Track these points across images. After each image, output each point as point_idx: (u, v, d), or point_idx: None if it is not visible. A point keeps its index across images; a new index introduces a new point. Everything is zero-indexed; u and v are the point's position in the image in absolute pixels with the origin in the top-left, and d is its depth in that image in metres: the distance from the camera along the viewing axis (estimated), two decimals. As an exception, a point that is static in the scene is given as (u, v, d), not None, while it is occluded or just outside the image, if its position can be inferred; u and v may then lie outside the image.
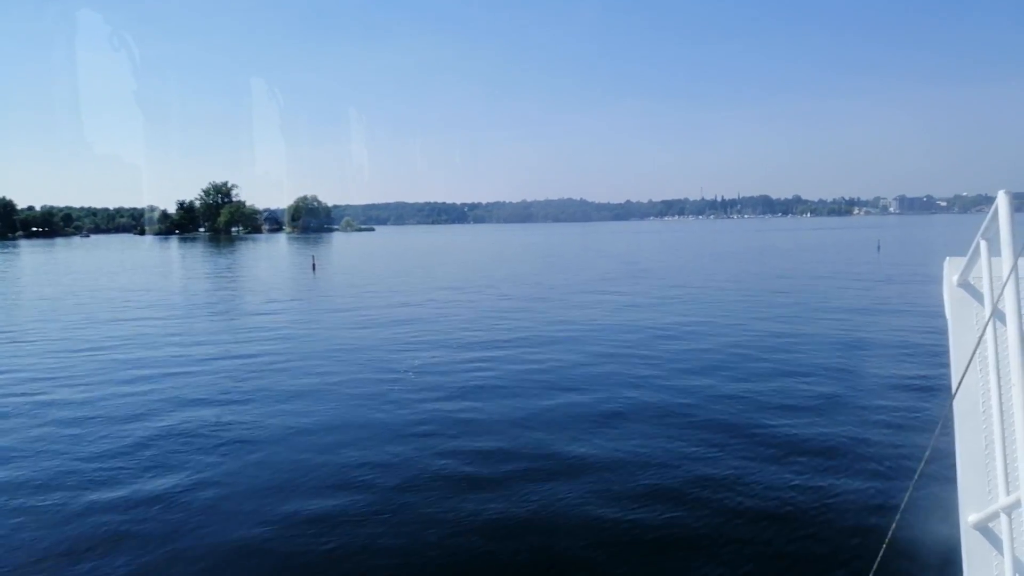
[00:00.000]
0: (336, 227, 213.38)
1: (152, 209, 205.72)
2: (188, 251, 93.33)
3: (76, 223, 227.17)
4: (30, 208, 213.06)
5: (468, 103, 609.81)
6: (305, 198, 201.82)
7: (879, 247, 61.04)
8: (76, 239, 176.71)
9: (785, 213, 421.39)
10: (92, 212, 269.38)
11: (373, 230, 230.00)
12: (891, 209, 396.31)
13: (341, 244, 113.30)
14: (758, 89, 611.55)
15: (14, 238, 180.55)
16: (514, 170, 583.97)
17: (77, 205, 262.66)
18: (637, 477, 8.64)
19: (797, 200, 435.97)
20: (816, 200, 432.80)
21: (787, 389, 12.67)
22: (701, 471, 8.79)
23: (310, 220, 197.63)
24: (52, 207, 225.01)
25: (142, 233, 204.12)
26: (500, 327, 20.60)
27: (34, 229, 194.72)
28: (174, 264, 63.99)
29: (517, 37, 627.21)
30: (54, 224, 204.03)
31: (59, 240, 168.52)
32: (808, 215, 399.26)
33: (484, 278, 40.41)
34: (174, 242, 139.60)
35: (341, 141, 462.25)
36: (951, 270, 3.19)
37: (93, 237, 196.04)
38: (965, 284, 3.15)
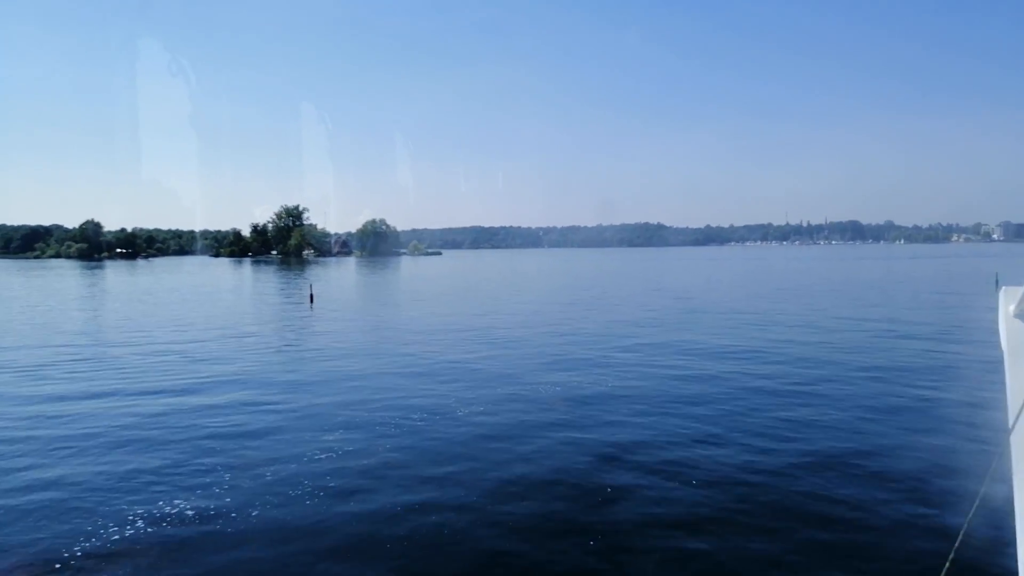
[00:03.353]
0: (404, 251, 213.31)
1: (225, 234, 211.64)
2: (281, 273, 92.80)
3: (158, 244, 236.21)
4: (122, 229, 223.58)
5: (541, 128, 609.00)
6: (374, 221, 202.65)
7: (998, 282, 51.58)
8: (157, 260, 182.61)
9: (876, 240, 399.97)
10: (177, 235, 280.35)
11: (440, 254, 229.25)
12: (994, 236, 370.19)
13: (407, 267, 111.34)
14: (848, 108, 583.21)
15: (100, 258, 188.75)
16: (589, 194, 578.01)
17: (123, 225, 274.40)
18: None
19: (889, 226, 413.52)
20: (910, 226, 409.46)
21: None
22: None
23: (378, 244, 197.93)
24: (139, 229, 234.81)
25: (217, 255, 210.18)
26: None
27: (118, 250, 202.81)
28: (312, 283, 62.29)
29: (597, 54, 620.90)
30: (137, 245, 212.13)
31: (140, 261, 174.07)
32: (901, 242, 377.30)
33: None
34: (247, 264, 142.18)
35: (416, 167, 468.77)
36: (1007, 300, 3.04)
37: (178, 259, 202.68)
38: (1023, 315, 3.04)
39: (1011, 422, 2.69)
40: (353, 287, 62.67)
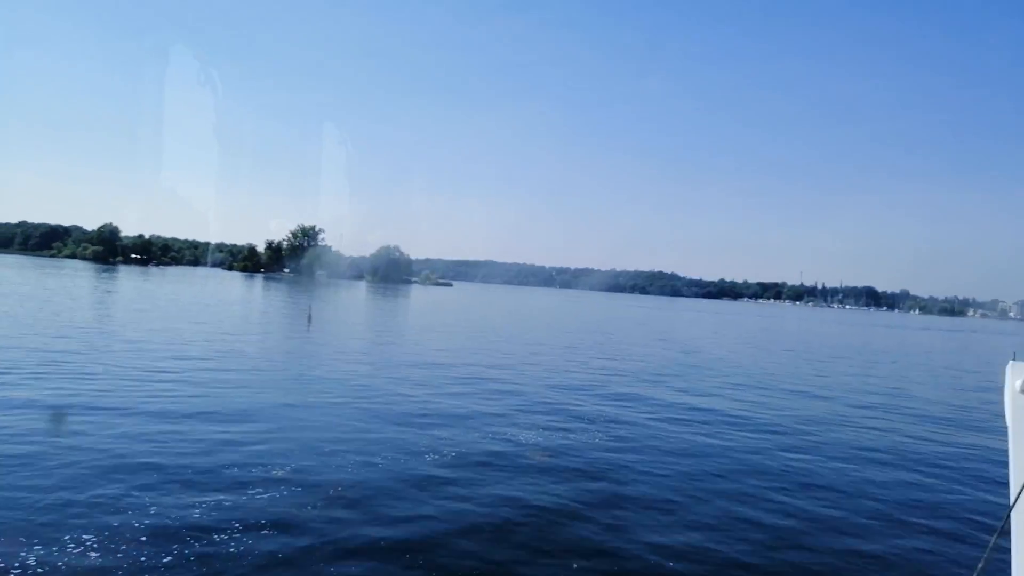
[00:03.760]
0: (415, 279, 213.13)
1: (240, 248, 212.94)
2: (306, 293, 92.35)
3: (173, 253, 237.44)
4: (139, 236, 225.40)
5: (558, 169, 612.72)
6: (387, 247, 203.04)
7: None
8: (170, 269, 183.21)
9: (891, 307, 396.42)
10: (193, 245, 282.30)
11: (451, 285, 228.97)
12: (1011, 314, 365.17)
13: (416, 296, 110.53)
14: (869, 174, 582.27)
15: (114, 263, 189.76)
16: (603, 238, 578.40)
17: (140, 231, 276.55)
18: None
19: (905, 295, 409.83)
20: (926, 296, 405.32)
21: None
22: None
23: (390, 270, 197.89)
24: (156, 236, 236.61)
25: (230, 269, 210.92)
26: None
27: (133, 256, 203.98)
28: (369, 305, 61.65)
29: (620, 99, 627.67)
30: (152, 252, 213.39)
31: (152, 269, 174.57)
32: (916, 311, 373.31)
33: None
34: (259, 280, 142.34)
35: (432, 197, 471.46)
36: (1015, 375, 3.06)
37: (191, 269, 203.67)
38: None
39: (1012, 497, 2.66)
40: (358, 311, 61.85)
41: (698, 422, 18.31)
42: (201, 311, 46.86)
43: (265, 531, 8.81)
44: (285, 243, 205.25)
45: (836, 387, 28.37)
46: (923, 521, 11.15)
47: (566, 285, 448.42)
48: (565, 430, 16.13)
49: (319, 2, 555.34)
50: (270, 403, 16.99)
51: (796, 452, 15.58)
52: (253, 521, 9.08)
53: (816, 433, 17.98)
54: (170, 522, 8.85)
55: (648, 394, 22.76)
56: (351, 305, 71.84)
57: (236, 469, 11.26)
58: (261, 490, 10.31)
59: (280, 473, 11.19)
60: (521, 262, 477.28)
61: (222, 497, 9.88)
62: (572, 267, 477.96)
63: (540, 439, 15.03)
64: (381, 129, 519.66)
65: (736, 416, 19.64)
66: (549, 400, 20.25)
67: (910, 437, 18.46)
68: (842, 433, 18.30)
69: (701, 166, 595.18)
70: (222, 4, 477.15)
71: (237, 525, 8.90)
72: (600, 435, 15.82)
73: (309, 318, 41.85)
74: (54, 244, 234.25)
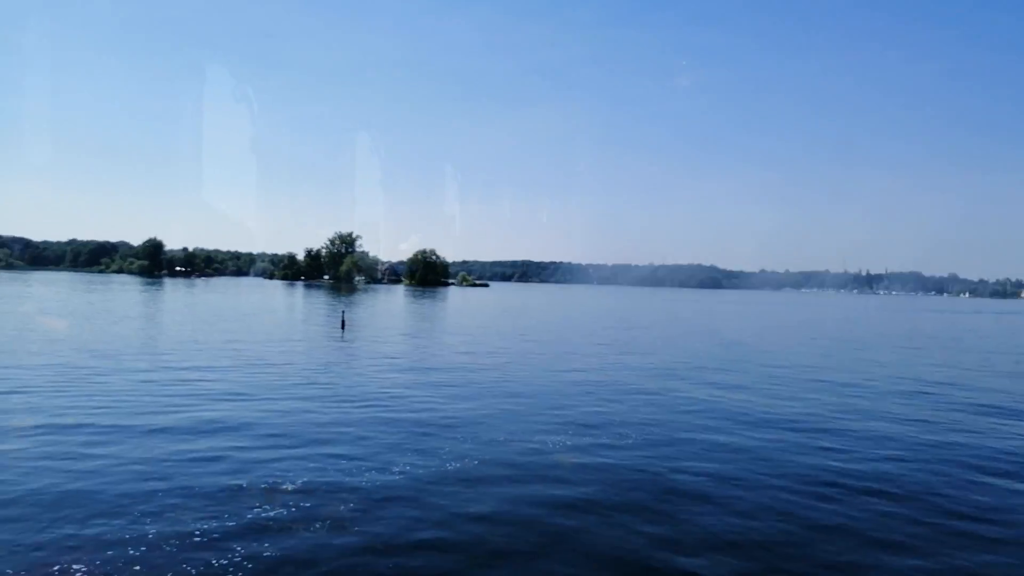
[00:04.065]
0: (452, 281, 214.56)
1: (280, 258, 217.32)
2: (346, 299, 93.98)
3: (216, 264, 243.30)
4: (184, 249, 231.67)
5: (594, 165, 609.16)
6: (424, 251, 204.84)
7: None
8: (214, 280, 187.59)
9: (939, 292, 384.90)
10: (236, 256, 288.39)
11: (488, 286, 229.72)
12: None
13: (453, 298, 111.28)
14: (914, 156, 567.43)
15: (160, 275, 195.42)
16: (641, 232, 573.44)
17: (185, 245, 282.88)
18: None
19: (953, 279, 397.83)
20: (976, 280, 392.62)
21: None
22: None
23: (427, 273, 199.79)
24: (199, 249, 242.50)
25: (271, 278, 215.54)
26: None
27: (177, 269, 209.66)
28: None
29: (656, 90, 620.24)
30: (195, 264, 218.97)
31: (197, 281, 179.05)
32: (966, 295, 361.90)
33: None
34: (299, 287, 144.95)
35: (468, 200, 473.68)
36: None
37: (235, 279, 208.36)
38: None
39: None
40: (394, 315, 62.46)
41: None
42: (240, 318, 47.89)
43: (318, 530, 9.01)
44: (324, 251, 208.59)
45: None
46: None
47: (604, 282, 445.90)
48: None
49: (350, 12, 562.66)
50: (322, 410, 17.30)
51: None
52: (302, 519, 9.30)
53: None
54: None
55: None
56: (390, 310, 72.61)
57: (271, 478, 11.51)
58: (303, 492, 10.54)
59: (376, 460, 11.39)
60: (557, 260, 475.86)
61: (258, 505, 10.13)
62: (609, 264, 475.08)
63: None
64: (413, 137, 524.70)
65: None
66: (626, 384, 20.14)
67: None
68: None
69: (737, 154, 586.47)
70: (252, 19, 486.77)
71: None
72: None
73: (343, 324, 42.35)
74: (102, 260, 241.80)
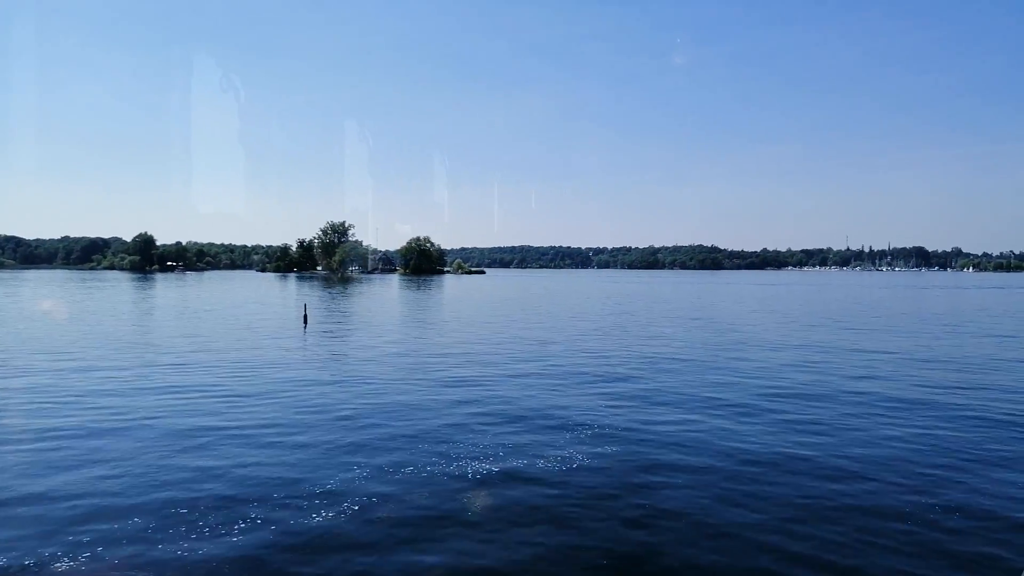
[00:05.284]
0: (447, 269, 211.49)
1: (274, 249, 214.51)
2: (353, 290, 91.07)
3: (208, 258, 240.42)
4: (177, 243, 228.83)
5: (591, 149, 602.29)
6: (418, 239, 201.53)
7: None
8: (207, 274, 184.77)
9: (943, 267, 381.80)
10: (229, 249, 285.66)
11: (484, 272, 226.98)
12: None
13: (448, 286, 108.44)
14: (912, 129, 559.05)
15: (151, 271, 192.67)
16: (641, 215, 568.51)
17: (178, 239, 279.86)
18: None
19: (957, 253, 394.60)
20: (979, 253, 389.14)
21: None
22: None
23: (422, 261, 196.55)
24: (191, 243, 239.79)
25: (263, 270, 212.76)
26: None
27: (169, 264, 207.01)
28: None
29: (654, 70, 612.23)
30: (187, 259, 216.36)
31: (189, 275, 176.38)
32: (970, 269, 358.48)
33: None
34: (291, 279, 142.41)
35: (463, 186, 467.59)
36: None
37: (228, 273, 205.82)
38: None
39: None
40: (378, 306, 59.50)
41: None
42: (200, 315, 44.99)
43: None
44: (316, 241, 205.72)
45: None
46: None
47: (603, 265, 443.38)
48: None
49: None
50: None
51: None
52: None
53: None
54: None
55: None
56: (376, 300, 69.77)
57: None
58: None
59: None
60: (555, 245, 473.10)
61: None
62: (609, 247, 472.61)
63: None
64: (406, 124, 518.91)
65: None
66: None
67: None
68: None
69: (736, 134, 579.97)
70: (238, 6, 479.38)
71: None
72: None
73: (305, 319, 39.35)
74: (93, 257, 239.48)
